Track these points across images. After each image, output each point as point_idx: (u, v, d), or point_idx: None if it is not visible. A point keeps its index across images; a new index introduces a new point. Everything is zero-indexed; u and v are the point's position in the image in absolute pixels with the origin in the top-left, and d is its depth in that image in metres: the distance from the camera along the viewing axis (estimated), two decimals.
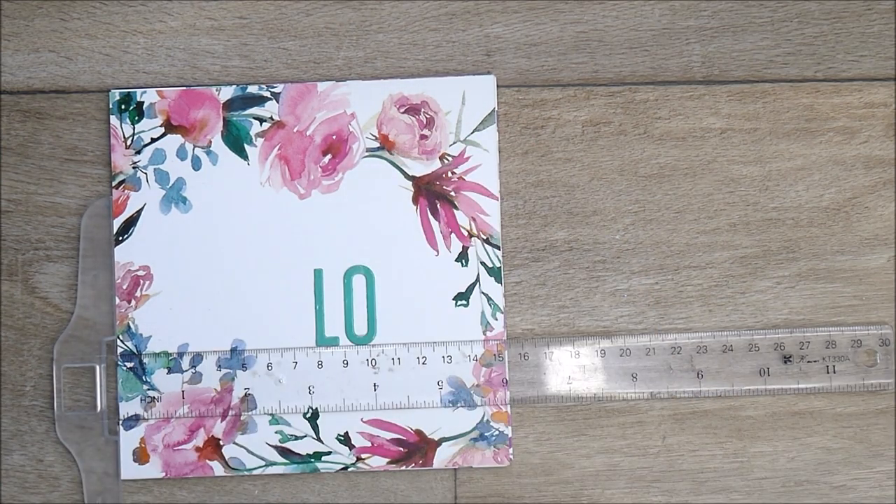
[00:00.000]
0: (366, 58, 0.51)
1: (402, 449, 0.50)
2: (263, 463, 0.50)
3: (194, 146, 0.51)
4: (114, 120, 0.51)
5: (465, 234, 0.50)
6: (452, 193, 0.51)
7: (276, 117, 0.51)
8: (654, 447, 0.50)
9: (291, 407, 0.50)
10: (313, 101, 0.51)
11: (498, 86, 0.51)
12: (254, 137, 0.51)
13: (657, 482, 0.50)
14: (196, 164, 0.51)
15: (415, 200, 0.51)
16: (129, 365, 0.50)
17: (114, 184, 0.51)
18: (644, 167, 0.51)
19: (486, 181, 0.51)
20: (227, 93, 0.51)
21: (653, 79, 0.51)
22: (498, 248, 0.51)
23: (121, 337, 0.50)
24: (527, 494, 0.50)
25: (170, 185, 0.51)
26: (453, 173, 0.51)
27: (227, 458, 0.50)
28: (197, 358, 0.50)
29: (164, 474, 0.50)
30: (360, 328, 0.50)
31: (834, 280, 0.51)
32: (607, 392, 0.50)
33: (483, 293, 0.50)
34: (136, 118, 0.51)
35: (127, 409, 0.50)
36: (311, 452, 0.50)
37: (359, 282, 0.50)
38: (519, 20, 0.51)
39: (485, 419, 0.50)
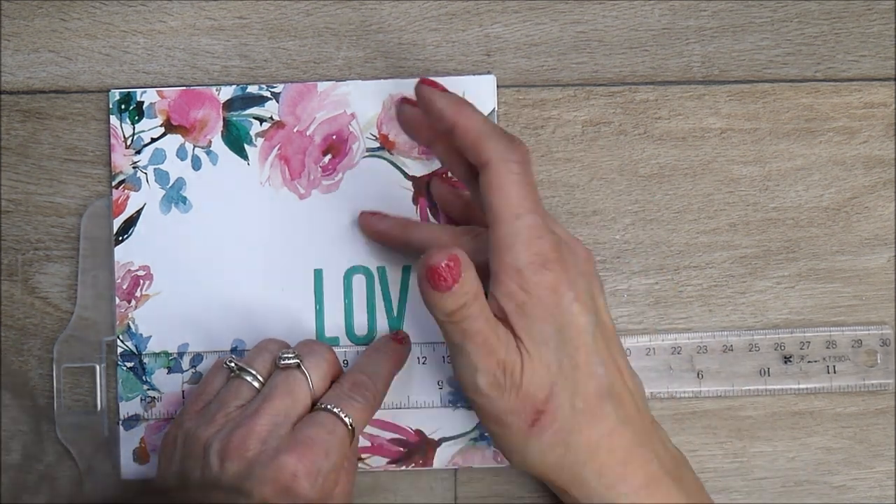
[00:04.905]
0: (366, 58, 0.51)
1: (402, 449, 0.50)
2: None
3: (194, 146, 0.51)
4: (114, 120, 0.51)
5: None
6: None
7: (276, 117, 0.51)
8: None
9: None
10: (313, 101, 0.51)
11: (498, 86, 0.51)
12: (254, 137, 0.51)
13: None
14: (196, 164, 0.51)
15: (415, 200, 0.51)
16: (129, 365, 0.50)
17: (114, 184, 0.51)
18: (644, 167, 0.51)
19: None
20: (227, 93, 0.51)
21: (653, 79, 0.51)
22: None
23: (121, 337, 0.50)
24: (527, 494, 0.50)
25: (170, 184, 0.51)
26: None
27: None
28: (197, 358, 0.50)
29: None
30: (360, 328, 0.50)
31: (834, 280, 0.51)
32: None
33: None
34: (136, 118, 0.51)
35: (127, 409, 0.50)
36: None
37: (359, 282, 0.50)
38: (519, 20, 0.51)
39: None
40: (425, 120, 0.43)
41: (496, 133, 0.41)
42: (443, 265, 0.39)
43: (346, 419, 0.43)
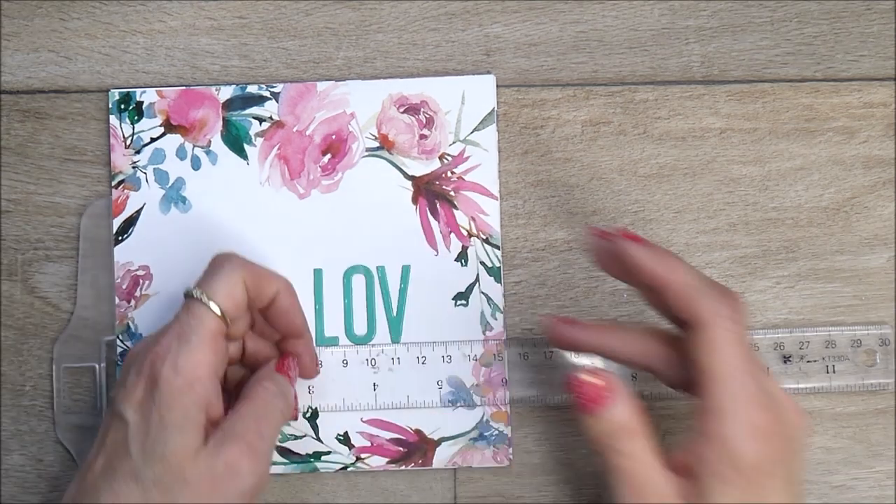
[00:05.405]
0: (366, 58, 0.51)
1: (401, 449, 0.50)
2: None
3: (194, 146, 0.51)
4: (113, 120, 0.51)
5: (465, 233, 0.50)
6: (452, 193, 0.51)
7: (275, 117, 0.51)
8: None
9: None
10: (313, 101, 0.51)
11: (498, 86, 0.51)
12: (253, 137, 0.51)
13: None
14: (195, 163, 0.51)
15: (414, 200, 0.51)
16: None
17: (113, 184, 0.51)
18: (644, 167, 0.51)
19: (485, 181, 0.51)
20: (226, 92, 0.51)
21: (652, 79, 0.51)
22: (497, 247, 0.51)
23: (121, 337, 0.50)
24: (527, 494, 0.50)
25: (169, 184, 0.51)
26: (453, 173, 0.51)
27: None
28: None
29: None
30: (360, 328, 0.50)
31: (834, 280, 0.51)
32: None
33: (483, 293, 0.50)
34: (136, 118, 0.51)
35: None
36: (310, 452, 0.50)
37: (359, 282, 0.50)
38: (519, 20, 0.51)
39: (484, 419, 0.50)
40: (620, 259, 0.41)
41: (708, 289, 0.40)
42: (588, 381, 0.39)
43: None
